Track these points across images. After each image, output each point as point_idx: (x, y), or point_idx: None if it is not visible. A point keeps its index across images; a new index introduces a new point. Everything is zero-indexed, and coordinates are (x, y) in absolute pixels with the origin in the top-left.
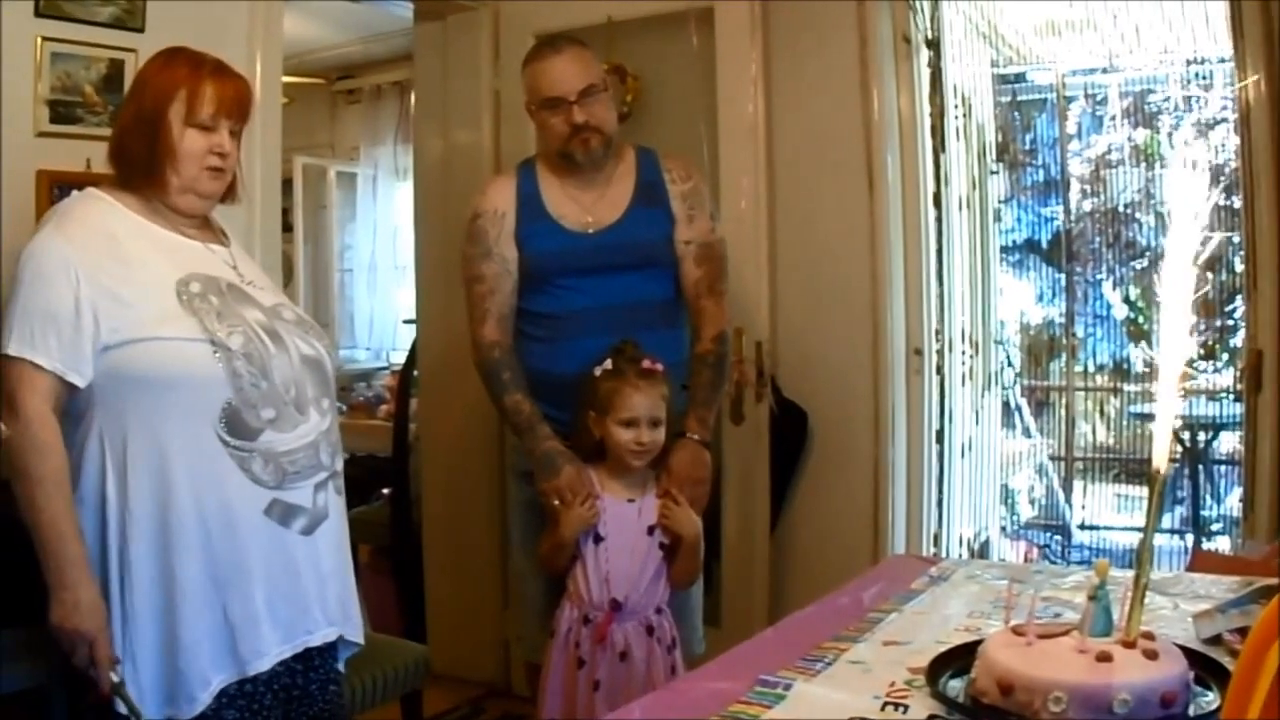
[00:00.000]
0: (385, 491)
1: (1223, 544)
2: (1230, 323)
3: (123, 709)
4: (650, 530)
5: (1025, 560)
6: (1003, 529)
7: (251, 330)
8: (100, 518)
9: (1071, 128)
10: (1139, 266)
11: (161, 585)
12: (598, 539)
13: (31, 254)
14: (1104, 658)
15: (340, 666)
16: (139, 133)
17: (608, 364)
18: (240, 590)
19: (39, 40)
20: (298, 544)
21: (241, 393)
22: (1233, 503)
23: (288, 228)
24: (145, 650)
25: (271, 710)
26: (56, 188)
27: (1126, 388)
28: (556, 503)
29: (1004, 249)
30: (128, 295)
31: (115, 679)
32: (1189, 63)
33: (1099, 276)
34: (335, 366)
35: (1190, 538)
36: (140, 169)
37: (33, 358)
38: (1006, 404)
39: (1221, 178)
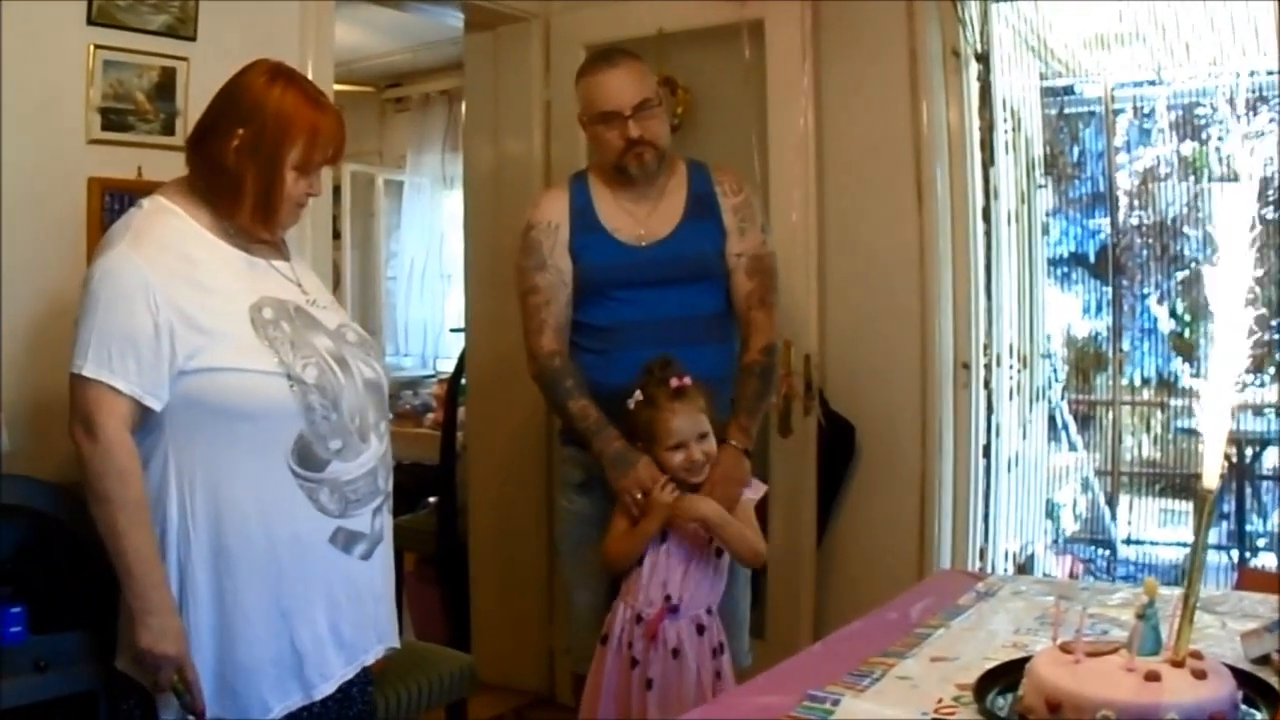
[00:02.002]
0: (431, 500)
1: (1268, 560)
2: (1277, 337)
3: None
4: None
5: (1070, 575)
6: (1048, 543)
7: (324, 361)
8: (160, 539)
9: (1119, 140)
10: (1186, 280)
11: (219, 609)
12: (662, 537)
13: (108, 272)
14: (1152, 677)
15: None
16: (255, 168)
17: (638, 395)
18: (308, 618)
19: (91, 48)
20: (358, 569)
21: (314, 425)
22: (1278, 518)
23: (336, 234)
24: (200, 672)
25: (320, 718)
26: (107, 195)
27: (1173, 402)
28: (639, 495)
29: (1050, 262)
30: (204, 322)
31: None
32: (1237, 76)
33: (1145, 290)
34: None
35: (1235, 553)
36: (247, 201)
37: (111, 381)
38: (1052, 418)
39: (1270, 191)
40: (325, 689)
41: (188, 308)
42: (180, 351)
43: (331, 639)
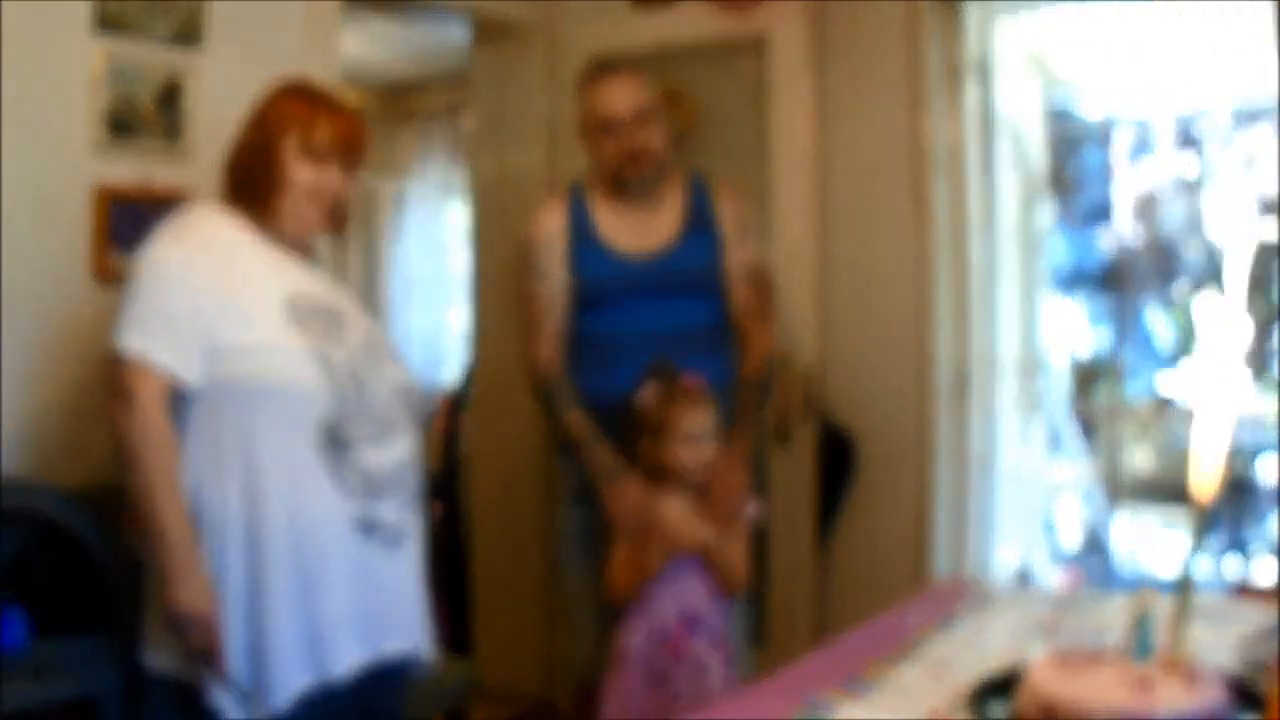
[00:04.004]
0: (437, 505)
1: (1265, 569)
2: (1271, 348)
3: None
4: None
5: (1069, 586)
6: (1046, 554)
7: (354, 350)
8: (196, 518)
9: (1119, 156)
10: (1185, 295)
11: (250, 587)
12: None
13: (152, 259)
14: (1146, 683)
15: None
16: (254, 160)
17: (650, 387)
18: (325, 598)
19: (98, 55)
20: (381, 558)
21: (341, 408)
22: (1273, 528)
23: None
24: (233, 650)
25: (348, 714)
26: (112, 203)
27: (1172, 415)
28: (625, 507)
29: (1051, 276)
30: (241, 305)
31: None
32: (1236, 94)
33: (1145, 304)
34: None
35: (1231, 564)
36: (252, 194)
37: (149, 356)
38: (1052, 430)
39: (1267, 208)
40: (339, 670)
41: (225, 292)
42: (216, 332)
43: (349, 623)
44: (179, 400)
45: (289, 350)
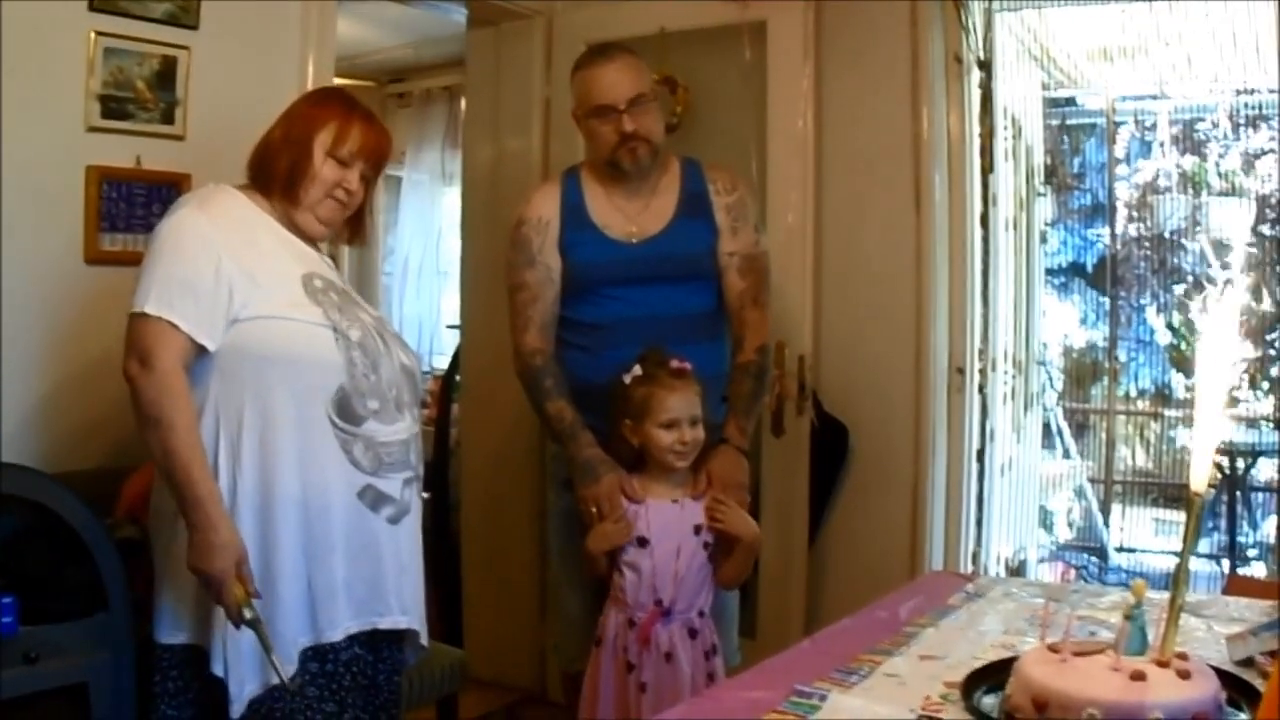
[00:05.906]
0: (425, 496)
1: (1258, 570)
2: (1271, 352)
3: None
4: (696, 529)
5: (1062, 581)
6: (1040, 550)
7: (367, 328)
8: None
9: (1120, 153)
10: (1183, 292)
11: (262, 551)
12: (643, 542)
13: (173, 227)
14: (1138, 676)
15: (409, 661)
16: (284, 152)
17: (636, 370)
18: (324, 563)
19: (92, 35)
20: (384, 531)
21: (354, 380)
22: (1269, 529)
23: None
24: None
25: (350, 692)
26: (106, 183)
27: (1167, 413)
28: (594, 509)
29: (1049, 271)
30: (260, 277)
31: (248, 615)
32: (1238, 92)
33: (1143, 302)
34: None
35: (1226, 563)
36: (277, 183)
37: (170, 318)
38: (1047, 425)
39: (1267, 208)
40: (332, 635)
41: (246, 263)
42: (237, 300)
43: (344, 590)
44: (197, 366)
45: (307, 322)
